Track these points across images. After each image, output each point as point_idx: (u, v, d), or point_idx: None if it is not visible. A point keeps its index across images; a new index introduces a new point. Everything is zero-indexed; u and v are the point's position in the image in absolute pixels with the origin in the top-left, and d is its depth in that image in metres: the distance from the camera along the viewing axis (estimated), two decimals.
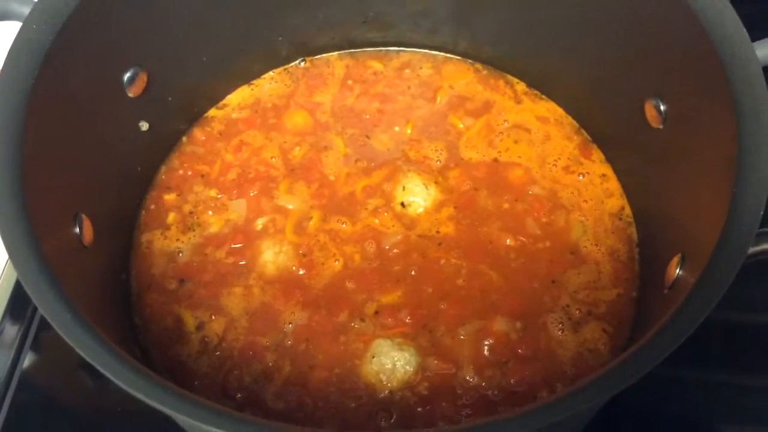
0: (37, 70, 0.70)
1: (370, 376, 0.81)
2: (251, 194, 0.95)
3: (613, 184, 0.95)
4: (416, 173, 0.95)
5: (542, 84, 1.02)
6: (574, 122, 1.00)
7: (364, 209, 0.93)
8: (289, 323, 0.85)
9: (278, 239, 0.91)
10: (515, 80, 1.04)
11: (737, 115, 0.66)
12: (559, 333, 0.84)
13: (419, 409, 0.80)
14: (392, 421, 0.80)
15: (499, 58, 1.04)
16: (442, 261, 0.89)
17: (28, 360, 0.97)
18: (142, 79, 0.87)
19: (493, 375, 0.82)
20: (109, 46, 0.81)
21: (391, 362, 0.81)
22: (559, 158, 0.97)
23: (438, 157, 0.97)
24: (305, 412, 0.80)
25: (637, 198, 0.93)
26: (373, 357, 0.82)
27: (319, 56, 1.07)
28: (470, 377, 0.82)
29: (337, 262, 0.89)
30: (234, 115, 1.02)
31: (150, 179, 0.97)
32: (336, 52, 1.07)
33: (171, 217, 0.94)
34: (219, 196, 0.95)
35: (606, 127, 0.97)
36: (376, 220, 0.92)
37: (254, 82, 1.05)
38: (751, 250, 0.63)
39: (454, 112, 1.01)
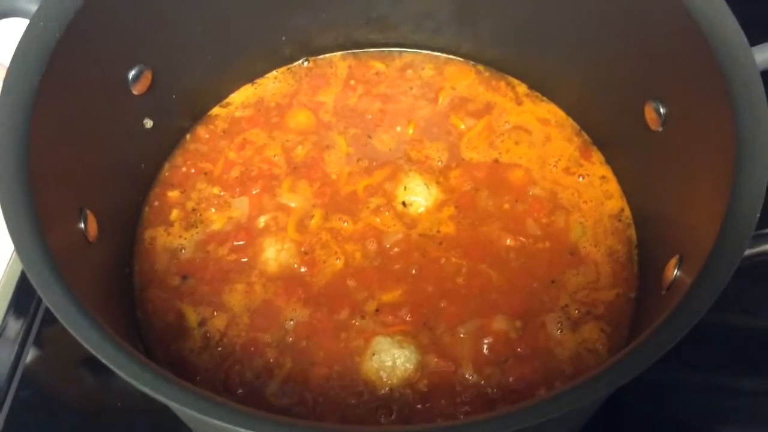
0: (44, 68, 0.71)
1: (371, 373, 0.82)
2: (254, 192, 0.95)
3: (613, 185, 0.96)
4: (417, 173, 0.96)
5: (543, 86, 1.03)
6: (575, 124, 1.01)
7: (365, 208, 0.94)
8: (291, 320, 0.86)
9: (280, 237, 0.92)
10: (516, 82, 1.05)
11: (735, 119, 0.67)
12: (558, 332, 0.85)
13: (419, 406, 0.81)
14: (392, 417, 0.80)
15: (500, 60, 1.04)
16: (443, 260, 0.90)
17: (30, 356, 0.98)
18: (147, 77, 0.88)
19: (492, 373, 0.82)
20: (114, 44, 0.81)
21: (391, 360, 0.82)
22: (560, 159, 0.98)
23: (439, 157, 0.98)
24: (306, 408, 0.81)
25: (636, 200, 0.94)
26: (374, 354, 0.83)
27: (322, 56, 1.07)
28: (469, 375, 0.82)
29: (338, 260, 0.90)
30: (237, 114, 1.03)
31: (154, 176, 0.98)
32: (339, 53, 1.07)
33: (174, 213, 0.95)
34: (222, 193, 0.96)
35: (606, 130, 0.97)
36: (378, 219, 0.93)
37: (258, 81, 1.05)
38: (748, 252, 0.63)
39: (455, 112, 1.02)
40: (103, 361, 0.58)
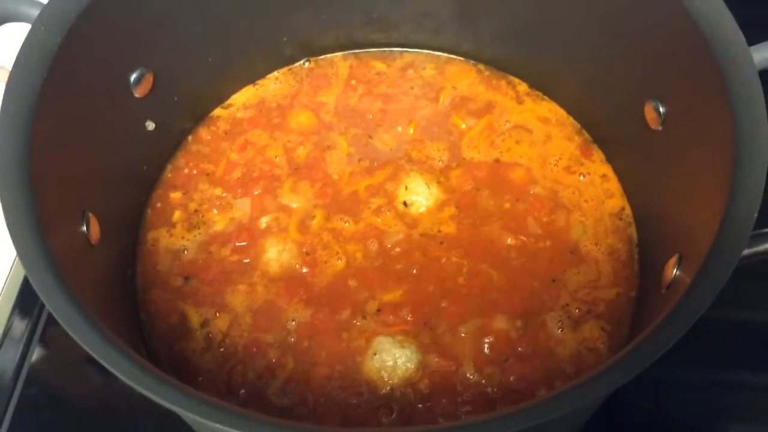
0: (46, 71, 0.71)
1: (372, 373, 0.83)
2: (255, 193, 0.96)
3: (614, 184, 0.96)
4: (418, 173, 0.96)
5: (544, 85, 1.03)
6: (576, 123, 1.01)
7: (366, 208, 0.94)
8: (292, 320, 0.87)
9: (282, 237, 0.92)
10: (517, 81, 1.05)
11: (733, 118, 0.67)
12: (559, 331, 0.85)
13: (420, 406, 0.81)
14: (393, 417, 0.81)
15: (501, 59, 1.04)
16: (444, 260, 0.90)
17: (36, 355, 0.98)
18: (149, 80, 0.88)
19: (493, 372, 0.83)
20: (116, 48, 0.82)
21: (392, 359, 0.82)
22: (560, 158, 0.98)
23: (440, 156, 0.98)
24: (307, 408, 0.82)
25: (637, 198, 0.94)
26: (375, 354, 0.83)
27: (323, 56, 1.07)
28: (470, 374, 0.83)
29: (339, 261, 0.90)
30: (239, 115, 1.03)
31: (156, 178, 0.98)
32: (340, 53, 1.08)
33: (176, 215, 0.95)
34: (224, 194, 0.96)
35: (607, 128, 0.97)
36: (379, 219, 0.93)
37: (259, 82, 1.06)
38: (746, 251, 0.64)
39: (456, 112, 1.02)
40: (106, 365, 0.59)
